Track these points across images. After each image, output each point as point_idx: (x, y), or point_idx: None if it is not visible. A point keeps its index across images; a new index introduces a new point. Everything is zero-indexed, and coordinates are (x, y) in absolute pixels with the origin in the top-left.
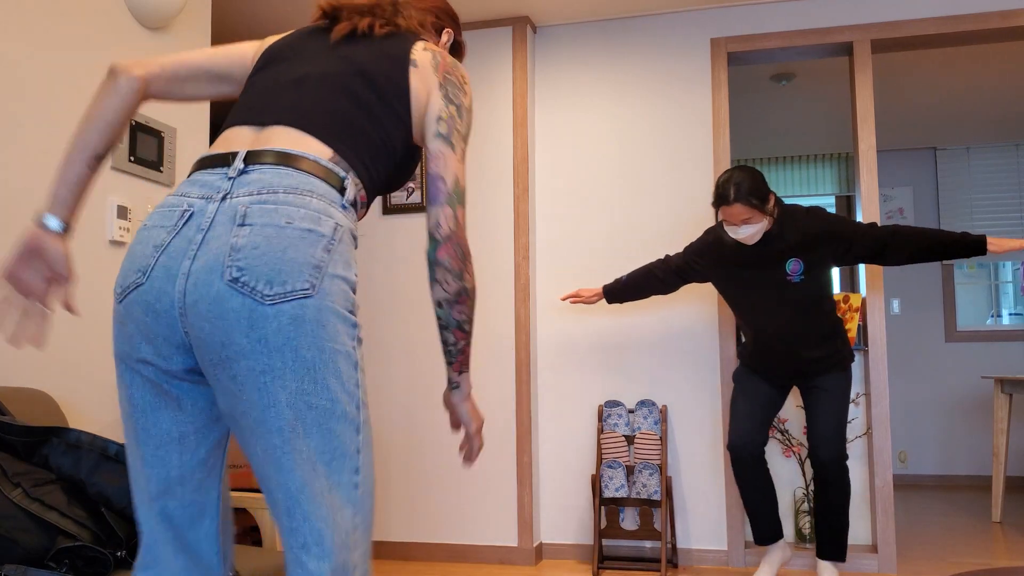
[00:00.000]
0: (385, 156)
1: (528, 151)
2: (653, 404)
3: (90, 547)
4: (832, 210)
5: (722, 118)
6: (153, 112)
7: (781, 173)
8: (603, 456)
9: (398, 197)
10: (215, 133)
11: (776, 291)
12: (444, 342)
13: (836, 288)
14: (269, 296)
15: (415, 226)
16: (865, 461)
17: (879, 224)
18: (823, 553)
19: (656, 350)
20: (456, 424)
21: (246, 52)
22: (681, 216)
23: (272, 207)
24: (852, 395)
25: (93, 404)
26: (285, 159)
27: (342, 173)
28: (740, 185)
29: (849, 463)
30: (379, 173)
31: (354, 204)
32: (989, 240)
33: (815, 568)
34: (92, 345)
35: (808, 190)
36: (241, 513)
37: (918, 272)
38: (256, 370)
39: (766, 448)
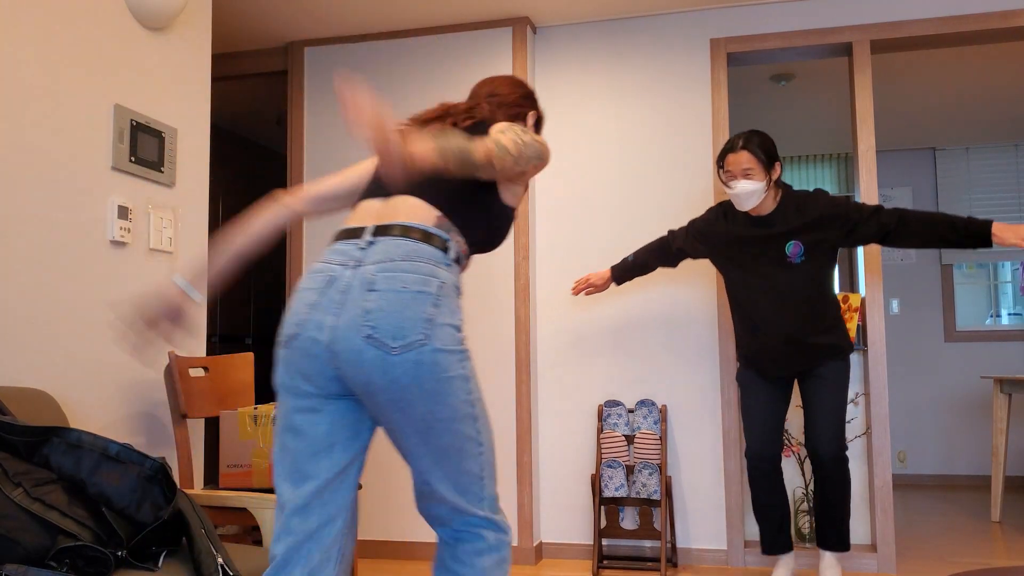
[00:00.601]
0: (481, 215)
1: None
2: (653, 404)
3: (91, 547)
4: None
5: (722, 118)
6: (154, 112)
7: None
8: (603, 456)
9: None
10: (215, 133)
11: (775, 273)
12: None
13: (836, 288)
14: (395, 348)
15: None
16: (864, 461)
17: (884, 208)
18: (825, 543)
19: (656, 350)
20: None
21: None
22: (681, 216)
23: (392, 274)
24: (851, 395)
25: (94, 404)
26: (402, 231)
27: (445, 235)
28: (751, 137)
29: (850, 463)
30: (476, 230)
31: (457, 260)
32: (995, 227)
33: (817, 567)
34: (93, 345)
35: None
36: (241, 513)
37: (917, 272)
38: (393, 400)
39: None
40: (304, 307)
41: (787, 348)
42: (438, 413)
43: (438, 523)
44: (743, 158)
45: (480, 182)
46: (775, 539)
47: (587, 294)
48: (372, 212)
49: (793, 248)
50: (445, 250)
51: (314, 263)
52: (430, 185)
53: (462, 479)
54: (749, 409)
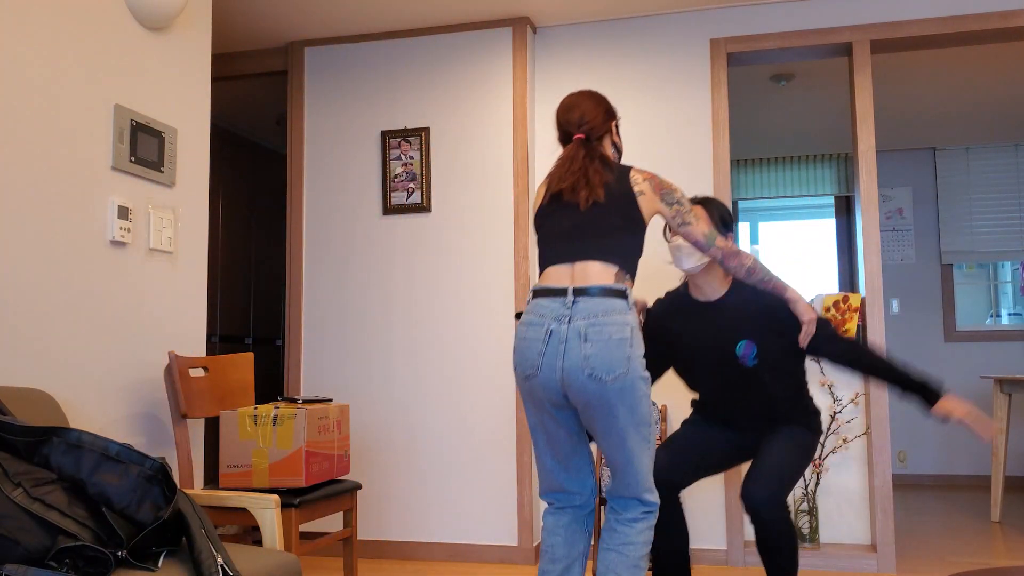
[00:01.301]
0: (637, 253)
1: (528, 151)
2: (653, 404)
3: (91, 547)
4: (831, 211)
5: (721, 118)
6: (154, 112)
7: (781, 173)
8: (603, 456)
9: (398, 197)
10: (215, 133)
11: (728, 374)
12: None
13: (835, 288)
14: (607, 380)
15: (414, 226)
16: (864, 461)
17: (844, 337)
18: None
19: None
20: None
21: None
22: None
23: (599, 327)
24: (851, 395)
25: (93, 404)
26: (598, 292)
27: (623, 286)
28: (710, 198)
29: (848, 463)
30: (636, 263)
31: (630, 297)
32: (946, 396)
33: (815, 567)
34: (92, 345)
35: (807, 190)
36: (241, 513)
37: (917, 272)
38: (605, 412)
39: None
40: (534, 354)
41: (746, 435)
42: (633, 419)
43: (616, 497)
44: (698, 212)
45: (636, 229)
46: None
47: None
48: (565, 275)
49: (745, 349)
50: (626, 298)
51: (527, 316)
52: (603, 251)
53: (640, 469)
54: (673, 437)
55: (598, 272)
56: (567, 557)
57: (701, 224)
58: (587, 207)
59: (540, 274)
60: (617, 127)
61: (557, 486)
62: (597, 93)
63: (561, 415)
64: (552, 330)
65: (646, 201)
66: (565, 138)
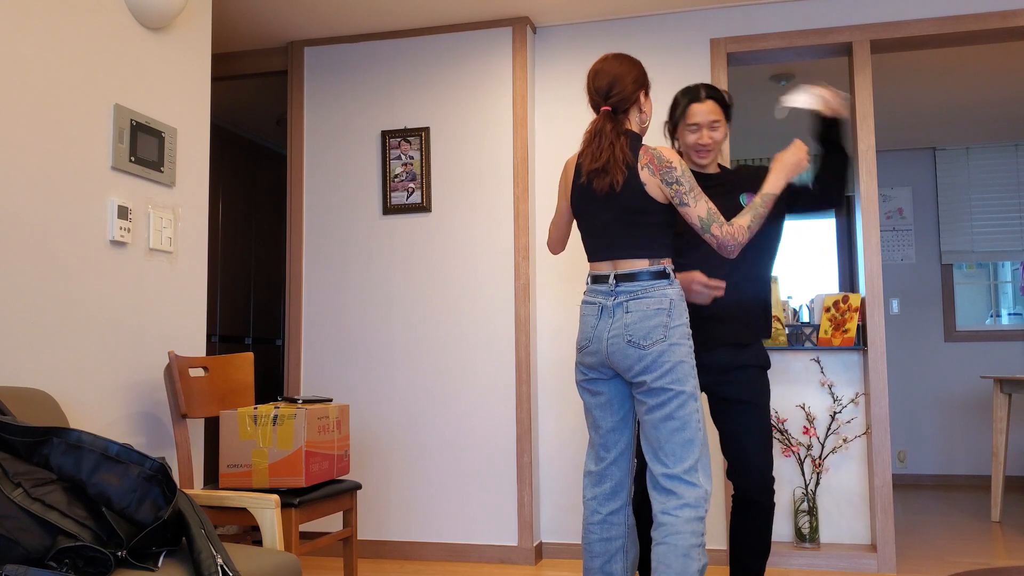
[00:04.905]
0: (666, 229)
1: (528, 151)
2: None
3: (91, 547)
4: (831, 211)
5: None
6: (154, 112)
7: None
8: None
9: (398, 197)
10: (215, 133)
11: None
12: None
13: (835, 288)
14: (643, 346)
15: (414, 226)
16: (864, 461)
17: None
18: None
19: None
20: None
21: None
22: None
23: (638, 300)
24: (852, 395)
25: (93, 404)
26: (636, 276)
27: (660, 266)
28: (711, 87)
29: (848, 463)
30: (670, 243)
31: (671, 275)
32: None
33: (816, 567)
34: (92, 345)
35: None
36: (241, 513)
37: (917, 272)
38: (647, 383)
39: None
40: (590, 328)
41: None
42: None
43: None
44: (709, 107)
45: (657, 213)
46: None
47: None
48: (607, 266)
49: (748, 199)
50: (665, 276)
51: (586, 298)
52: (631, 244)
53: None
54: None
55: (633, 264)
56: (604, 552)
57: (700, 206)
58: (613, 198)
59: (589, 261)
60: (647, 93)
61: (591, 466)
62: (628, 58)
63: (601, 386)
64: (603, 306)
65: (653, 188)
66: (595, 106)
